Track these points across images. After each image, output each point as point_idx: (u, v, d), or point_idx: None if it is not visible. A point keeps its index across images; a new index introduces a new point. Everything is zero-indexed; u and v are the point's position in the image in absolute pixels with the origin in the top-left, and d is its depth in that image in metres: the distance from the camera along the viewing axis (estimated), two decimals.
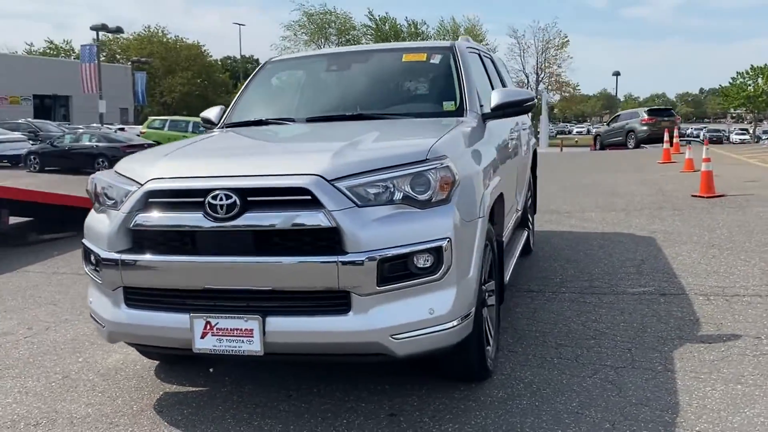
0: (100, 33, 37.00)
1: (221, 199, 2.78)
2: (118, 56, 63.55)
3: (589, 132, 62.70)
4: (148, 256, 2.93)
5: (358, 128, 3.64)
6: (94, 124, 32.51)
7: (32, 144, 23.73)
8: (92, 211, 3.32)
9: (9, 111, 41.69)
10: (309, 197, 2.73)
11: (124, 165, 3.30)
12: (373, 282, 2.71)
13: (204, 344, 2.87)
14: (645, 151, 20.88)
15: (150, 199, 2.96)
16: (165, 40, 65.56)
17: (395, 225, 2.78)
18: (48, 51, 66.25)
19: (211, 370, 3.77)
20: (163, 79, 60.77)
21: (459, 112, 3.90)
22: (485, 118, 4.00)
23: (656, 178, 12.05)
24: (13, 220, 8.27)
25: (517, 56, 60.76)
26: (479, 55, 4.99)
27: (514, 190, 4.87)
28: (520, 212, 5.63)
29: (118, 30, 34.89)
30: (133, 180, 3.07)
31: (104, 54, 63.14)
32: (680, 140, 20.49)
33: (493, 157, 3.76)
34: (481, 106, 4.03)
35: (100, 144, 20.50)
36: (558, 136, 57.17)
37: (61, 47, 67.12)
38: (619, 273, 5.44)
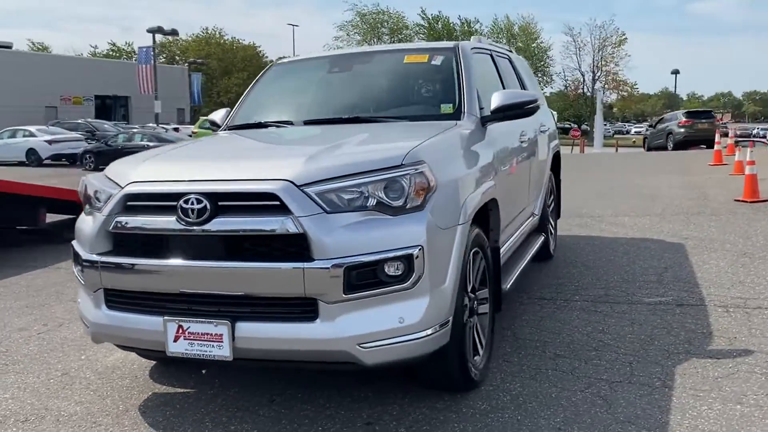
0: (157, 35, 38.02)
1: (193, 204, 2.79)
2: (177, 58, 65.41)
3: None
4: (125, 259, 2.96)
5: (347, 132, 3.59)
6: (150, 124, 33.46)
7: (88, 143, 24.62)
8: (83, 213, 3.38)
9: (72, 111, 43.38)
10: (278, 203, 2.70)
11: (111, 168, 3.34)
12: (339, 289, 2.66)
13: (176, 348, 2.88)
14: (696, 152, 20.14)
15: (128, 202, 2.99)
16: (222, 41, 67.18)
17: (365, 232, 2.72)
18: (111, 53, 68.62)
19: (203, 371, 3.80)
20: (219, 80, 62.24)
21: (456, 115, 3.81)
22: (485, 121, 3.89)
23: (701, 181, 11.58)
24: (51, 217, 8.56)
25: (573, 54, 59.74)
26: (491, 56, 4.88)
27: (522, 195, 4.74)
28: (536, 217, 5.49)
29: (173, 32, 35.78)
30: (116, 183, 3.10)
31: (164, 56, 65.11)
32: (738, 141, 19.67)
33: (488, 162, 3.66)
34: (482, 108, 3.93)
35: (151, 143, 21.06)
36: (615, 136, 55.77)
37: (123, 49, 69.40)
38: (639, 281, 5.23)
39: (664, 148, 24.24)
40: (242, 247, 2.77)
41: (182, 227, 2.81)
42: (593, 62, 57.02)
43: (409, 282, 2.73)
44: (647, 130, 35.33)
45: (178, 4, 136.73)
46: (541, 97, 6.12)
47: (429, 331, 2.82)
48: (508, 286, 4.02)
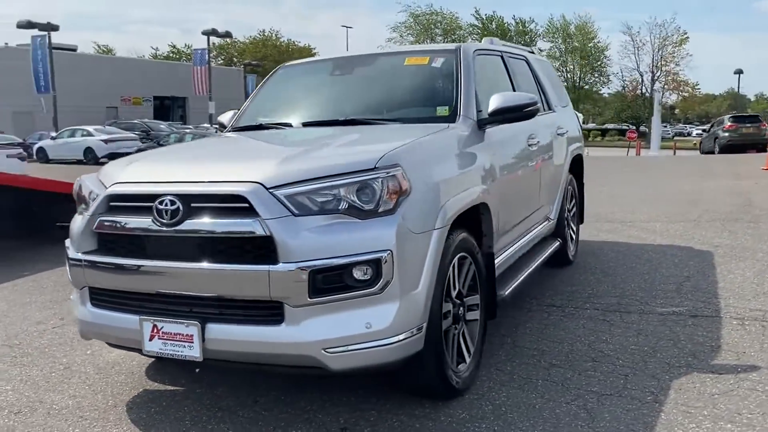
0: (216, 38, 38.93)
1: (167, 205, 2.83)
2: (235, 59, 66.78)
3: None
4: (106, 258, 3.03)
5: (337, 134, 3.59)
6: (204, 125, 34.28)
7: (143, 143, 25.40)
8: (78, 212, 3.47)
9: (132, 111, 44.90)
10: (246, 205, 2.72)
11: (103, 169, 3.42)
12: (304, 293, 2.65)
13: (152, 347, 2.93)
14: (751, 156, 19.34)
15: (111, 203, 3.06)
16: (278, 43, 68.25)
17: (333, 235, 2.70)
18: (171, 55, 70.57)
19: (197, 370, 3.83)
20: None
21: (451, 117, 3.75)
22: (483, 123, 3.82)
23: (749, 187, 11.10)
24: None
25: (631, 54, 58.31)
26: (502, 57, 4.79)
27: (530, 199, 4.64)
28: (551, 221, 5.36)
29: (227, 34, 36.60)
30: (103, 184, 3.18)
31: (222, 58, 66.57)
32: None
33: (480, 165, 3.59)
34: (479, 111, 3.86)
35: None
36: (675, 138, 54.05)
37: (182, 51, 71.28)
38: (656, 290, 5.04)
39: (713, 152, 23.53)
40: (213, 249, 2.79)
41: (157, 228, 2.85)
42: (652, 62, 55.52)
43: (376, 287, 2.70)
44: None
45: (239, 6, 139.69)
46: (561, 98, 6.00)
47: (399, 338, 2.77)
48: (507, 293, 3.93)
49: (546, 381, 3.48)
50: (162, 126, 31.86)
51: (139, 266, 2.93)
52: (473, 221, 3.58)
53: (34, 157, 26.87)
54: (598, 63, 61.27)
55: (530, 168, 4.57)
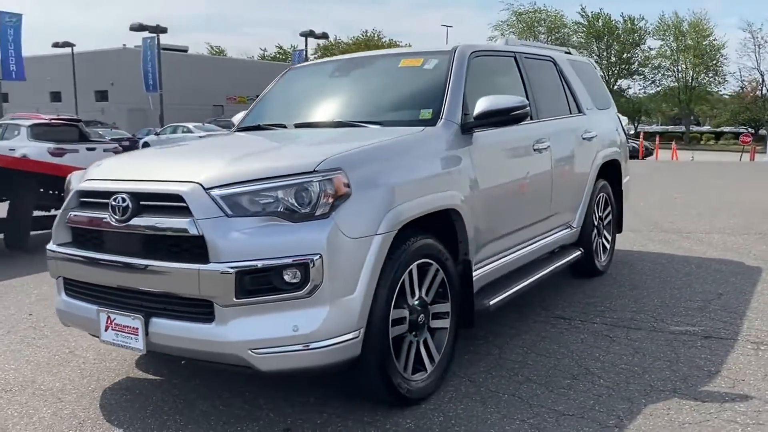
0: (322, 40, 39.96)
1: (119, 202, 2.96)
2: None
3: None
4: (73, 250, 3.21)
5: (311, 136, 3.62)
6: None
7: None
8: None
9: (236, 109, 46.71)
10: (184, 204, 2.79)
11: (90, 166, 3.62)
12: (231, 293, 2.69)
13: (106, 337, 3.07)
14: None
15: (80, 198, 3.23)
16: (380, 43, 69.07)
17: (263, 237, 2.73)
18: (278, 56, 73.15)
19: (182, 362, 3.97)
20: None
21: (432, 121, 3.67)
22: (469, 127, 3.72)
23: None
24: None
25: (751, 52, 54.56)
26: (515, 59, 4.63)
27: (534, 206, 4.45)
28: (574, 230, 5.15)
29: (324, 36, 37.40)
30: (81, 180, 3.36)
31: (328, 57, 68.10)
32: None
33: (453, 170, 3.50)
34: (466, 115, 3.75)
35: None
36: None
37: (288, 52, 73.64)
38: (679, 307, 4.71)
39: None
40: (155, 246, 2.89)
41: (111, 223, 2.99)
42: None
43: (304, 290, 2.70)
44: None
45: (347, 7, 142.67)
46: (598, 101, 5.72)
47: (328, 342, 2.76)
48: (492, 303, 3.81)
49: (513, 396, 3.34)
50: None
51: (98, 259, 3.08)
52: (447, 227, 3.50)
53: None
54: (714, 62, 57.79)
55: (535, 174, 4.39)
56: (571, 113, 5.25)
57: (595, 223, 5.54)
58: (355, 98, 4.22)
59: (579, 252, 5.15)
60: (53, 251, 3.31)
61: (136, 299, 2.98)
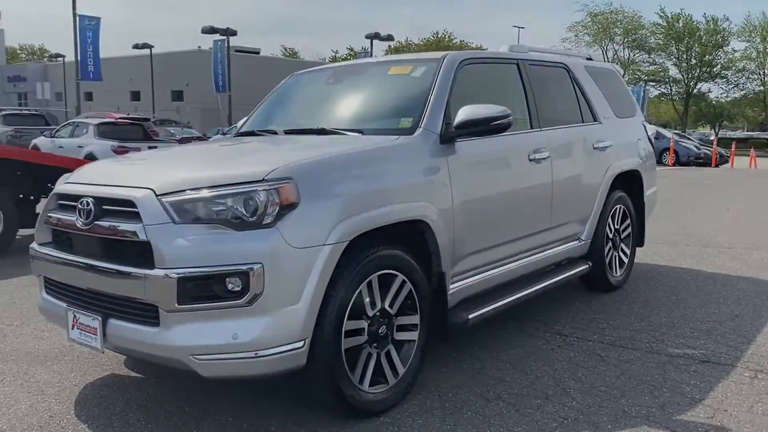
0: (391, 42, 40.17)
1: (84, 205, 3.07)
2: None
3: None
4: (47, 250, 3.34)
5: (291, 143, 3.65)
6: None
7: None
8: None
9: None
10: (135, 209, 2.86)
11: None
12: (174, 299, 2.74)
13: (73, 335, 3.18)
14: None
15: (58, 201, 3.37)
16: (451, 44, 68.78)
17: (207, 245, 2.77)
18: (348, 57, 73.96)
19: None
20: None
21: (411, 130, 3.62)
22: (450, 137, 3.65)
23: None
24: None
25: None
26: (517, 66, 4.51)
27: (528, 217, 4.32)
28: (583, 242, 4.99)
29: (389, 38, 37.53)
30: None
31: None
32: None
33: (427, 180, 3.45)
34: (447, 124, 3.68)
35: None
36: None
37: (358, 53, 74.33)
38: (686, 328, 4.48)
39: None
40: (111, 249, 2.98)
41: (77, 225, 3.10)
42: None
43: (244, 299, 2.72)
44: None
45: (421, 9, 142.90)
46: (619, 109, 5.53)
47: (270, 351, 2.77)
48: (472, 317, 3.73)
49: (476, 414, 3.26)
50: None
51: (67, 260, 3.19)
52: (417, 238, 3.45)
53: None
54: None
55: (530, 185, 4.26)
56: (583, 122, 5.07)
57: (610, 236, 5.34)
58: (343, 105, 4.22)
59: (586, 266, 4.97)
60: (34, 250, 3.46)
61: (97, 300, 3.08)
